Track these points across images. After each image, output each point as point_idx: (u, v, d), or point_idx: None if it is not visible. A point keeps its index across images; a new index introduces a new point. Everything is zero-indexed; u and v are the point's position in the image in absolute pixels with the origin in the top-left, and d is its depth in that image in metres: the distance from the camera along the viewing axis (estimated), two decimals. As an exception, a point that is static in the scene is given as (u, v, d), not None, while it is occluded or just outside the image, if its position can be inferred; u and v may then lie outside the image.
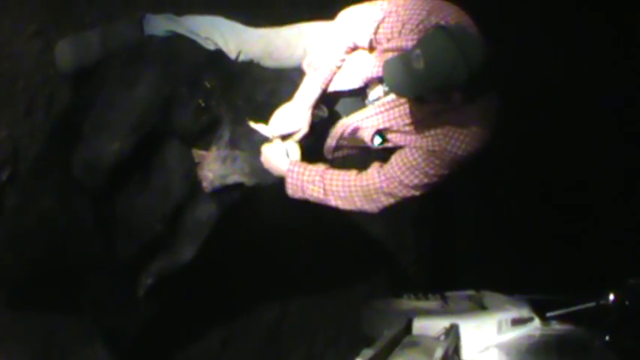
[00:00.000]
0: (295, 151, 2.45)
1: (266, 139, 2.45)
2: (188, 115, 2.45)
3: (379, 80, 2.38)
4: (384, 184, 2.32)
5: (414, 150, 2.29)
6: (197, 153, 2.46)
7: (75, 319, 2.73)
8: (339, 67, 2.42)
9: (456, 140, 2.23)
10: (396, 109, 2.34)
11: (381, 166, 2.35)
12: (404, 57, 2.06)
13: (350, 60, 2.42)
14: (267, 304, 3.67)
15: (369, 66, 2.36)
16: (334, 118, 2.55)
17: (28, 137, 2.66)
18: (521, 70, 3.97)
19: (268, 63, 2.54)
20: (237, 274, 3.32)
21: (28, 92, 2.67)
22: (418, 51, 2.02)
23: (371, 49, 2.36)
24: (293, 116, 2.42)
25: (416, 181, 2.30)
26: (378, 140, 2.40)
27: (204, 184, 2.45)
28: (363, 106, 2.47)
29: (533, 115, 4.58)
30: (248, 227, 3.13)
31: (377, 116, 2.40)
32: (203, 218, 2.59)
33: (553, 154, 4.72)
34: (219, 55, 2.52)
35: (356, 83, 2.39)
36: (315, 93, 2.41)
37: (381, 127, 2.37)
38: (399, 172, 2.29)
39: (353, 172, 2.37)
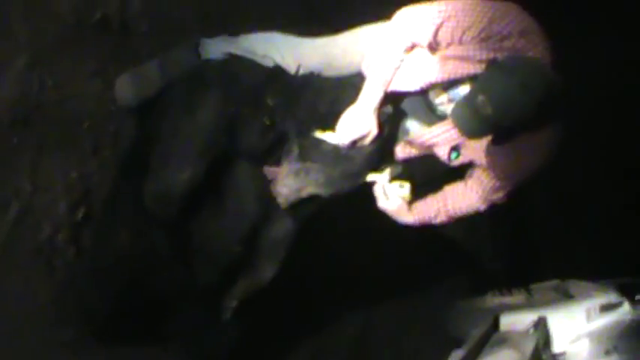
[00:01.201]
0: (406, 189, 2.47)
1: (335, 147, 2.43)
2: (254, 134, 2.43)
3: (443, 88, 2.35)
4: (482, 207, 2.45)
5: (491, 170, 2.35)
6: (268, 170, 2.44)
7: (161, 351, 2.73)
8: (398, 68, 2.37)
9: (532, 151, 2.27)
10: None
11: (471, 189, 2.43)
12: (470, 103, 2.06)
13: (410, 60, 2.37)
14: (351, 316, 3.61)
15: (431, 71, 2.31)
16: (401, 116, 2.52)
17: (97, 175, 2.68)
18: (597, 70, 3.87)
19: (328, 73, 2.49)
20: (319, 287, 3.29)
21: (94, 131, 2.69)
22: (482, 96, 2.02)
23: (431, 49, 2.30)
24: (359, 120, 2.38)
25: (501, 195, 2.41)
26: (454, 155, 2.40)
27: (280, 199, 2.41)
28: (428, 108, 2.44)
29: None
30: (326, 239, 3.08)
31: (450, 132, 2.38)
32: (280, 235, 2.57)
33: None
34: (278, 71, 2.50)
35: (416, 85, 2.34)
36: (378, 95, 2.36)
37: (456, 143, 2.35)
38: (489, 193, 2.39)
39: (457, 198, 2.46)
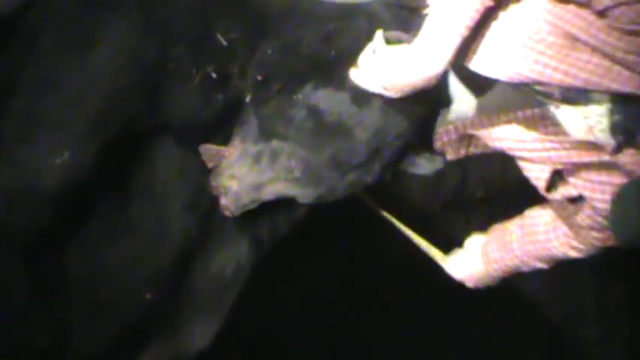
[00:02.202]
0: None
1: (329, 109, 1.64)
2: (190, 94, 1.69)
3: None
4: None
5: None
6: (208, 151, 1.73)
7: None
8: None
9: None
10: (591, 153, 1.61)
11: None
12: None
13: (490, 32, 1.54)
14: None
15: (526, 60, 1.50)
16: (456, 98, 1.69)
17: None
18: None
19: None
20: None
21: None
22: None
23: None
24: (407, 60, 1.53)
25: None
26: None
27: (225, 201, 1.71)
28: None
29: None
30: (314, 280, 2.24)
31: (562, 151, 1.64)
32: (226, 274, 1.82)
33: None
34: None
35: (501, 73, 1.55)
36: (452, 40, 1.49)
37: (564, 167, 1.66)
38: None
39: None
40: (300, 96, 1.62)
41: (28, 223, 1.65)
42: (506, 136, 1.62)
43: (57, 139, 1.63)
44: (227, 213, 1.71)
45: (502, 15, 1.50)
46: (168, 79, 1.68)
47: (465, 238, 1.88)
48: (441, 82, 1.60)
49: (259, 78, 1.65)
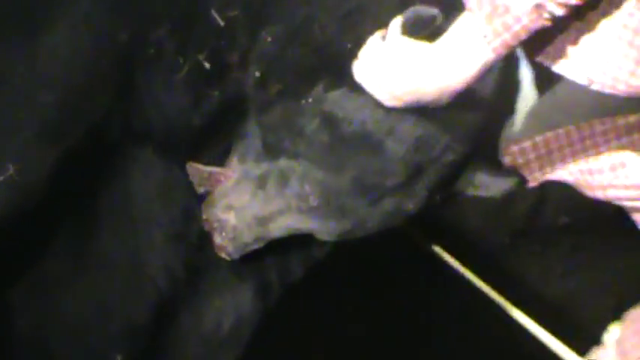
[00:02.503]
0: None
1: (350, 119, 1.29)
2: (176, 90, 1.38)
3: None
4: None
5: None
6: (198, 172, 1.42)
7: None
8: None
9: None
10: None
11: None
12: None
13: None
14: None
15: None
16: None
17: None
18: None
19: None
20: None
21: None
22: None
23: None
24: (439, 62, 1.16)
25: None
26: None
27: (220, 240, 1.40)
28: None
29: None
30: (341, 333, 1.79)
31: None
32: (223, 329, 1.47)
33: None
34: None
35: (578, 76, 1.22)
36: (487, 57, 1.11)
37: None
38: None
39: None
40: (309, 100, 1.28)
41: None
42: (601, 168, 1.25)
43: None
44: (223, 255, 1.39)
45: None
46: (147, 71, 1.34)
47: (541, 278, 1.50)
48: (507, 77, 1.25)
49: (257, 74, 1.33)
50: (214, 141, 1.41)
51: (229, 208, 1.38)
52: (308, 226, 1.35)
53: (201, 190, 1.40)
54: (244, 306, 1.44)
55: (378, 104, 1.17)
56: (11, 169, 1.28)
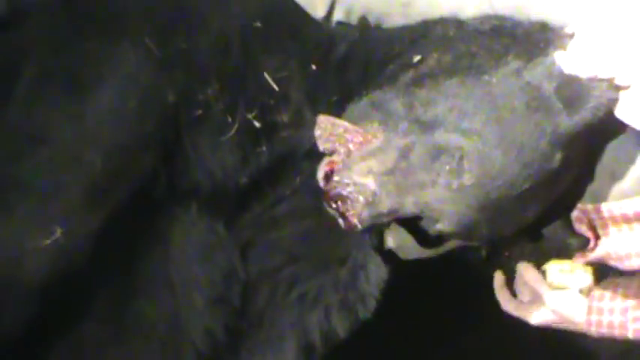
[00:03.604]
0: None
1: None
2: (224, 150, 1.37)
3: None
4: None
5: None
6: (332, 126, 1.34)
7: None
8: None
9: None
10: None
11: None
12: None
13: None
14: None
15: None
16: None
17: None
18: None
19: (398, 19, 1.49)
20: None
21: None
22: None
23: None
24: None
25: None
26: None
27: (352, 208, 1.31)
28: None
29: None
30: None
31: None
32: None
33: None
34: (289, 9, 1.44)
35: None
36: None
37: None
38: None
39: None
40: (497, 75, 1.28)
41: (8, 320, 1.33)
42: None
43: (44, 212, 1.31)
44: (352, 223, 1.26)
45: None
46: (194, 130, 1.34)
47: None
48: None
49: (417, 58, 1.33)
50: (260, 196, 1.37)
51: (370, 172, 1.27)
52: (445, 207, 1.24)
53: (326, 146, 1.30)
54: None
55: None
56: (58, 232, 1.29)
